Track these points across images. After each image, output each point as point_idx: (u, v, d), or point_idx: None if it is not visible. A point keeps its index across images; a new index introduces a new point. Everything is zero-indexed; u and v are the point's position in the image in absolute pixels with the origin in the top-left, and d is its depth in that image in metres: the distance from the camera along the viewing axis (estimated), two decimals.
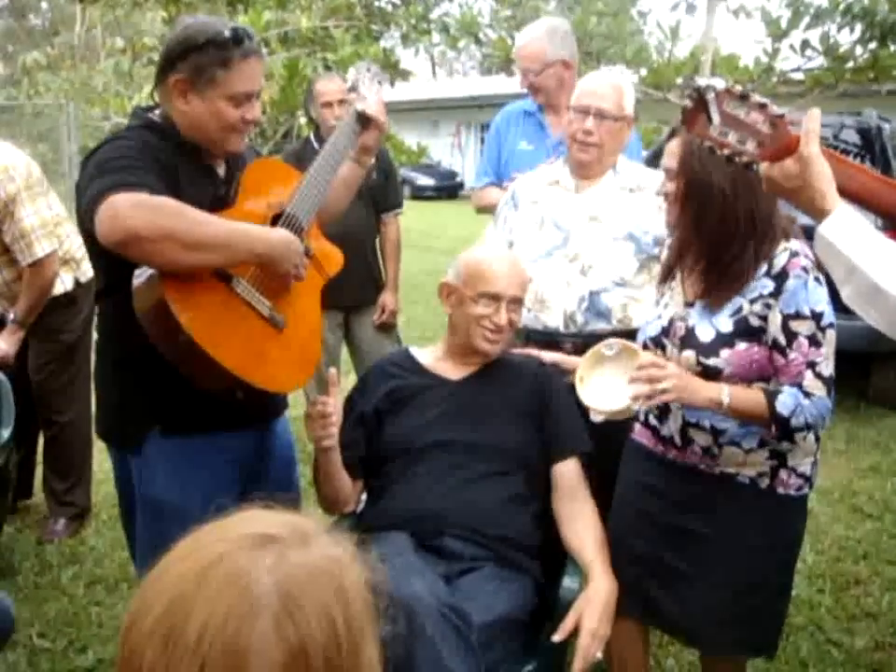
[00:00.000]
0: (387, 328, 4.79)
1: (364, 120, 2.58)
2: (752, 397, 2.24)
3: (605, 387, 2.44)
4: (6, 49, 33.06)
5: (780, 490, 2.37)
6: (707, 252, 2.30)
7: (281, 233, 2.25)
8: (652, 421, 2.51)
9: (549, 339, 3.06)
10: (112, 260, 2.11)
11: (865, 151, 6.49)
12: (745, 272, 2.26)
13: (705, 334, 2.31)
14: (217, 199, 2.30)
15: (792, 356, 2.21)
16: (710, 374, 2.29)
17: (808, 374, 2.20)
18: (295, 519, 0.99)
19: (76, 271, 4.07)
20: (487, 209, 4.06)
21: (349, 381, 5.11)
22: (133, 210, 1.98)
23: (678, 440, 2.42)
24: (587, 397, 2.44)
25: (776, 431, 2.24)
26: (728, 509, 2.38)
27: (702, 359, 2.29)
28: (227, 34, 2.18)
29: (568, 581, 2.44)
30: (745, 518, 2.37)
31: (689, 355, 2.32)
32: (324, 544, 0.97)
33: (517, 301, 2.68)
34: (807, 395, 2.20)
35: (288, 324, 2.30)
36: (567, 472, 2.62)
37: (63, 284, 4.02)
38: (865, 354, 5.98)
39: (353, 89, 2.64)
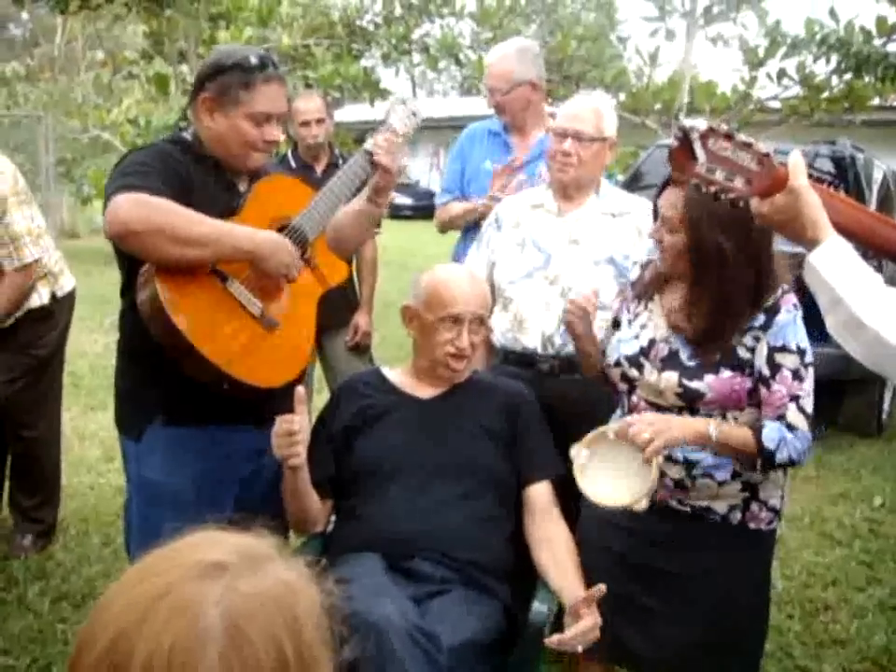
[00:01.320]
0: (361, 349, 4.75)
1: (373, 162, 2.59)
2: (739, 431, 2.25)
3: (605, 477, 2.30)
4: None
5: (752, 525, 2.39)
6: (707, 307, 2.30)
7: (268, 234, 2.41)
8: None
9: (527, 360, 3.06)
10: (129, 261, 2.37)
11: (839, 180, 6.54)
12: (737, 326, 2.28)
13: (689, 358, 2.32)
14: (230, 211, 2.45)
15: (776, 387, 2.24)
16: (691, 397, 2.30)
17: (792, 407, 2.23)
18: (249, 543, 0.98)
19: (53, 285, 4.03)
20: (452, 224, 4.07)
21: (322, 398, 5.11)
22: (129, 207, 2.20)
23: None
24: (588, 487, 2.31)
25: (760, 465, 2.25)
26: (701, 548, 2.39)
27: (685, 381, 2.30)
28: (253, 59, 2.40)
29: (538, 605, 2.44)
30: (718, 557, 2.38)
31: (670, 376, 2.32)
32: (277, 569, 0.96)
33: (479, 321, 2.65)
34: (791, 428, 2.22)
35: (279, 325, 2.46)
36: (540, 495, 2.62)
37: (39, 297, 3.98)
38: (836, 381, 6.02)
39: (383, 123, 2.65)
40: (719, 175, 1.72)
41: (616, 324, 2.60)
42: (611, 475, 2.26)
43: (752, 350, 2.27)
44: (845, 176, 6.57)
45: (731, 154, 1.71)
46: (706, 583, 2.38)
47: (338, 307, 4.56)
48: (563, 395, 2.89)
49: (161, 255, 2.23)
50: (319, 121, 4.53)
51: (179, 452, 2.50)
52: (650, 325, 2.45)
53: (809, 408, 2.25)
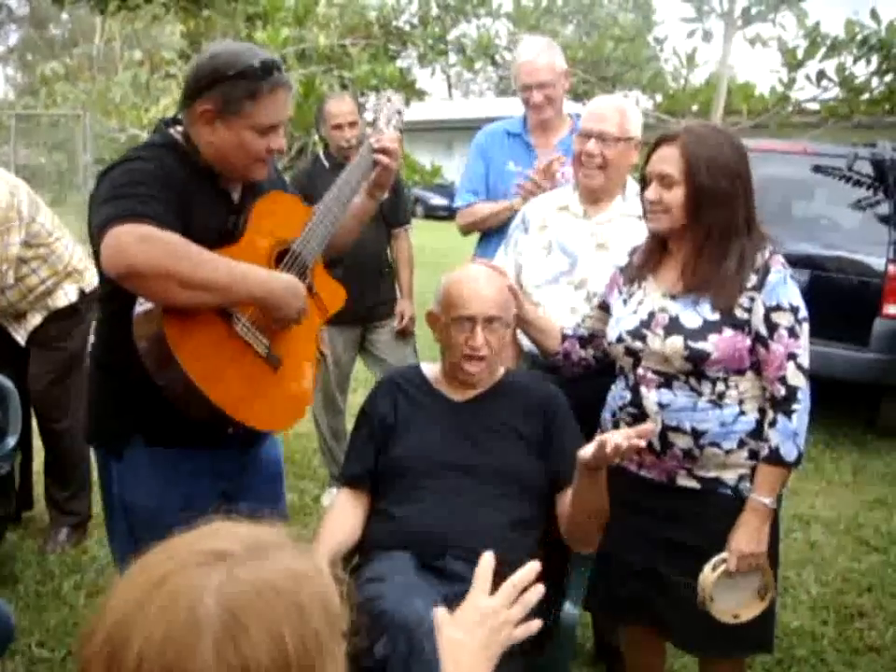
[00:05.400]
0: (406, 334, 4.84)
1: (376, 162, 2.56)
2: (765, 475, 2.37)
3: (727, 592, 2.43)
4: (25, 59, 33.33)
5: None
6: (715, 256, 2.40)
7: (283, 280, 2.25)
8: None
9: (554, 364, 3.03)
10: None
11: (878, 183, 6.49)
12: (743, 270, 2.38)
13: (691, 321, 2.41)
14: (227, 228, 2.30)
15: (774, 346, 2.35)
16: (697, 359, 2.37)
17: (790, 366, 2.35)
18: (257, 532, 0.97)
19: (80, 282, 4.08)
20: (481, 225, 4.01)
21: (358, 397, 5.11)
22: (135, 245, 1.98)
23: (657, 444, 2.47)
24: (717, 611, 2.43)
25: (798, 467, 2.39)
26: (714, 521, 2.44)
27: (690, 343, 2.38)
28: (257, 65, 2.19)
29: (569, 606, 2.43)
30: (730, 528, 2.42)
31: (675, 340, 2.41)
32: (284, 558, 0.94)
33: (494, 321, 2.62)
34: (788, 413, 2.33)
35: (284, 364, 2.31)
36: None
37: (66, 296, 4.04)
38: (874, 385, 5.95)
39: (372, 123, 2.64)
40: None
41: (604, 307, 2.73)
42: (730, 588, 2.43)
43: (749, 310, 2.38)
44: (884, 179, 6.51)
45: None
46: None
47: (379, 300, 4.71)
48: (588, 398, 2.87)
49: (168, 298, 2.05)
50: (352, 124, 4.55)
51: (162, 473, 2.33)
52: (646, 300, 2.54)
53: (806, 363, 2.38)
